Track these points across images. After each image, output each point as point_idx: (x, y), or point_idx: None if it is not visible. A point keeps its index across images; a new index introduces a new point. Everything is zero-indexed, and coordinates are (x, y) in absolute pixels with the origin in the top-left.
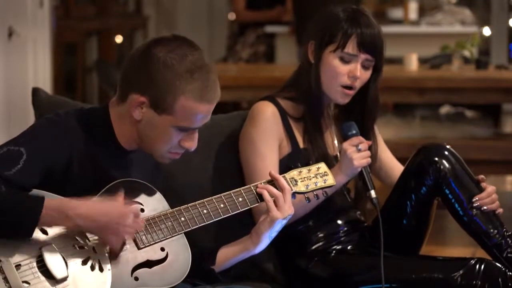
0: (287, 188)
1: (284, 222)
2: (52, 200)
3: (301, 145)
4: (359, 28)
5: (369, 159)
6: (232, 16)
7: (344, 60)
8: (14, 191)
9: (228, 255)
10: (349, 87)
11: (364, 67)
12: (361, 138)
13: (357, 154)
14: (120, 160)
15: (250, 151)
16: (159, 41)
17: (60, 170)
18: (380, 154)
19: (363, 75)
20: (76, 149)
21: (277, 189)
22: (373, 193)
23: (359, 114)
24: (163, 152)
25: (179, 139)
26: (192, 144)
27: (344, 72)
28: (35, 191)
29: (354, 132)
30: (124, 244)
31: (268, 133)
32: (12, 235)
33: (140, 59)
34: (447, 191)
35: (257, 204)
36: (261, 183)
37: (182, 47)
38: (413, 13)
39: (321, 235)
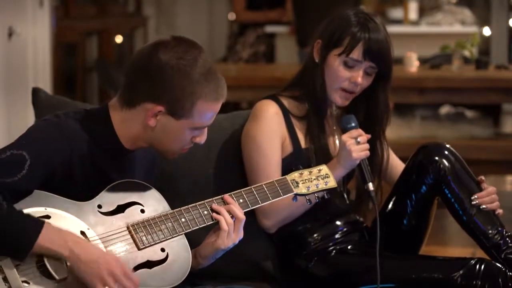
0: (241, 217)
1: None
2: (52, 225)
3: (303, 144)
4: (367, 35)
5: (367, 152)
6: (232, 16)
7: (347, 65)
8: (14, 211)
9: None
10: (349, 91)
11: (367, 73)
12: (360, 131)
13: (356, 146)
14: (120, 160)
15: (253, 150)
16: (163, 46)
17: (61, 171)
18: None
19: (365, 81)
20: (76, 150)
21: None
22: (370, 185)
23: (365, 120)
24: (175, 150)
25: (192, 136)
26: (202, 138)
27: (346, 77)
28: (37, 193)
29: (353, 124)
30: None
31: (271, 131)
32: (7, 255)
33: (149, 68)
34: (446, 191)
35: (258, 205)
36: (214, 201)
37: (188, 51)
38: (413, 13)
39: (320, 236)
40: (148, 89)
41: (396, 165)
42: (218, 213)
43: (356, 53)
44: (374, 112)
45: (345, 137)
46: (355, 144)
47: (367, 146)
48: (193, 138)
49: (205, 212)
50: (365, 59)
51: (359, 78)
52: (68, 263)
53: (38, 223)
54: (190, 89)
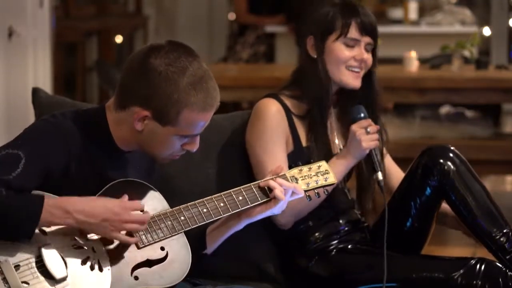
0: (293, 187)
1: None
2: (51, 198)
3: (304, 143)
4: (356, 13)
5: (377, 142)
6: (232, 16)
7: (348, 46)
8: (13, 193)
9: (216, 236)
10: (356, 70)
11: (366, 50)
12: (369, 121)
13: (366, 136)
14: (117, 161)
15: (259, 148)
16: (156, 50)
17: (58, 171)
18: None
19: (368, 59)
20: (73, 150)
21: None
22: (380, 175)
23: (365, 103)
24: (165, 156)
25: (182, 143)
26: (194, 146)
27: (350, 56)
28: (34, 192)
29: (362, 115)
30: (131, 235)
31: (275, 128)
32: (13, 235)
33: (140, 71)
34: (451, 193)
35: (257, 203)
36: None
37: (180, 58)
38: (413, 13)
39: (321, 234)
40: (137, 93)
41: (393, 172)
42: (272, 188)
43: (353, 32)
44: (370, 94)
45: (355, 127)
46: (365, 133)
47: (376, 136)
48: (184, 146)
49: (205, 210)
50: (362, 35)
51: (364, 54)
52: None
53: (38, 200)
54: (176, 97)
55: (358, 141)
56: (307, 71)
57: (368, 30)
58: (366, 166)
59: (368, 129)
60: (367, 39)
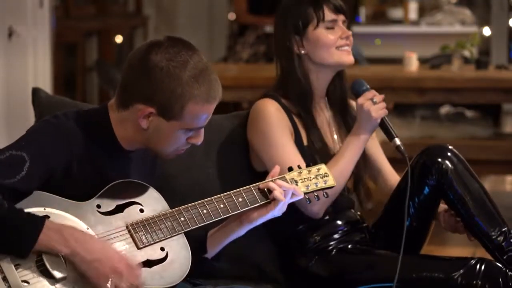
0: (292, 188)
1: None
2: (53, 223)
3: (305, 142)
4: None
5: (386, 110)
6: (232, 16)
7: (328, 28)
8: (15, 209)
9: (217, 240)
10: (346, 49)
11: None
12: (374, 92)
13: (373, 106)
14: (119, 161)
15: (269, 147)
16: (156, 47)
17: (61, 172)
18: (378, 160)
19: (351, 34)
20: (76, 151)
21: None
22: (397, 140)
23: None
24: (170, 152)
25: (187, 137)
26: (199, 139)
27: (336, 36)
28: (36, 193)
29: (364, 88)
30: None
31: (279, 124)
32: (8, 253)
33: (141, 68)
34: (449, 192)
35: (257, 205)
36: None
37: (181, 53)
38: (413, 13)
39: (321, 235)
40: (140, 90)
41: (391, 177)
42: (271, 189)
43: (328, 14)
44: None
45: (361, 100)
46: (372, 104)
47: (384, 104)
48: (189, 139)
49: (204, 211)
50: (337, 14)
51: (347, 31)
52: (70, 261)
53: (38, 222)
54: (180, 91)
55: (367, 112)
56: (292, 69)
57: (340, 8)
58: (384, 134)
59: (374, 99)
60: (342, 17)
